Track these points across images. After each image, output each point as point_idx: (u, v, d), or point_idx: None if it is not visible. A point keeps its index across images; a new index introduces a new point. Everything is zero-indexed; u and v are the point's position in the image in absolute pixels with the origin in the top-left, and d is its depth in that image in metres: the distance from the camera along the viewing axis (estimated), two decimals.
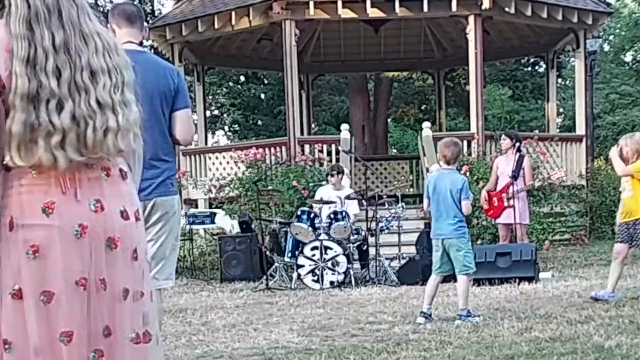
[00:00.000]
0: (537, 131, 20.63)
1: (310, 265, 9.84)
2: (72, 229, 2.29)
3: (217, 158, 15.35)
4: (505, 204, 10.24)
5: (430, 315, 6.78)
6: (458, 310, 6.76)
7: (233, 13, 14.48)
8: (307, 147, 14.45)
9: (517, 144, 10.45)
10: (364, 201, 10.63)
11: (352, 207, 10.86)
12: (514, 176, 10.15)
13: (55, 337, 2.28)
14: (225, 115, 33.80)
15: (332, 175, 11.02)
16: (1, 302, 2.30)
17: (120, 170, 2.45)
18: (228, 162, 14.95)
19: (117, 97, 2.38)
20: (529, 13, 14.48)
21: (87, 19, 2.40)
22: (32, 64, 2.25)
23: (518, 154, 10.26)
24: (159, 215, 4.27)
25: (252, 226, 11.38)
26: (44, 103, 2.26)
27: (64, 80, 2.29)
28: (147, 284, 2.51)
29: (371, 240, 10.49)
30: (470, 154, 13.99)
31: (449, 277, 9.50)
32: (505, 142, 10.62)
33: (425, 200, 7.14)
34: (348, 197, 10.77)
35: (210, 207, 13.91)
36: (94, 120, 2.33)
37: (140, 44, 4.37)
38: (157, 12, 28.33)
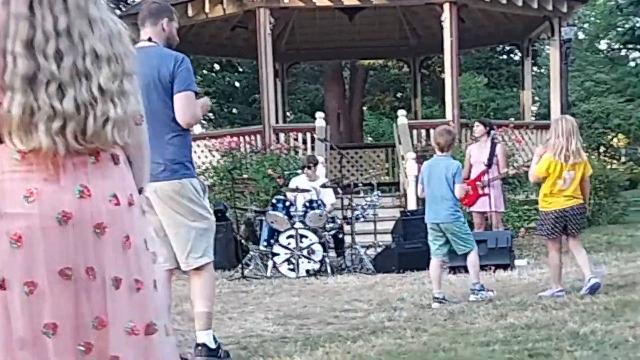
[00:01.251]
0: (512, 119, 20.73)
1: (285, 253, 9.79)
2: (54, 216, 2.22)
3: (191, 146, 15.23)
4: (480, 192, 10.23)
5: (443, 298, 6.86)
6: (471, 285, 6.99)
7: (207, 1, 14.40)
8: (282, 136, 14.41)
9: (491, 132, 10.46)
10: (339, 189, 10.60)
11: (328, 196, 10.82)
12: (489, 164, 10.15)
13: (39, 329, 2.21)
14: None
15: (309, 168, 10.94)
16: None
17: (112, 154, 2.37)
18: (202, 151, 14.87)
19: (114, 86, 2.32)
20: (504, 1, 14.53)
21: (94, 4, 2.34)
22: (30, 45, 2.20)
23: (491, 142, 10.26)
24: (165, 201, 4.58)
25: (227, 215, 11.30)
26: (43, 86, 2.21)
27: (65, 65, 2.23)
28: (148, 273, 2.39)
29: (347, 228, 10.46)
30: None
31: (424, 265, 9.57)
32: (479, 128, 10.61)
33: (419, 186, 7.38)
34: (324, 186, 10.73)
35: None
36: (95, 109, 2.27)
37: (149, 39, 4.66)
38: (130, 0, 28.08)
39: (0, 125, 2.23)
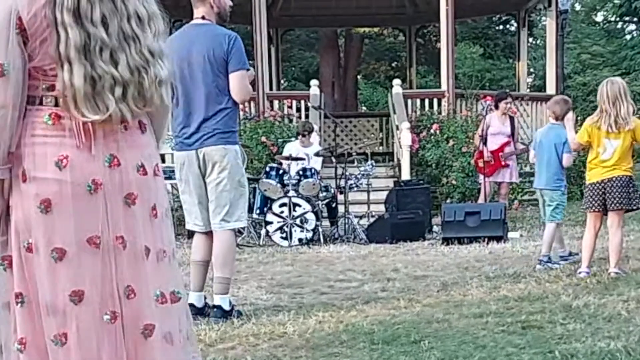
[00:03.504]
0: (507, 90, 20.62)
1: (278, 222, 9.77)
2: (85, 184, 2.21)
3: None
4: (503, 163, 10.32)
5: (548, 260, 7.10)
6: (540, 255, 7.16)
7: None
8: (276, 103, 14.31)
9: (486, 103, 10.58)
10: (333, 158, 10.56)
11: (316, 165, 10.77)
12: (513, 137, 10.51)
13: (65, 295, 2.21)
14: None
15: (304, 135, 10.90)
16: (18, 254, 2.23)
17: (140, 122, 2.36)
18: None
19: (158, 47, 2.33)
20: None
21: None
22: (76, 14, 2.17)
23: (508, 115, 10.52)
24: (212, 164, 5.05)
25: None
26: (97, 54, 2.19)
27: (112, 30, 2.22)
28: (170, 241, 2.45)
29: (340, 197, 10.44)
30: (440, 112, 13.95)
31: (417, 236, 9.57)
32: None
33: (531, 152, 7.65)
34: (317, 154, 10.68)
35: None
36: (148, 72, 2.28)
37: (203, 17, 5.12)
38: None
39: (64, 93, 2.20)
